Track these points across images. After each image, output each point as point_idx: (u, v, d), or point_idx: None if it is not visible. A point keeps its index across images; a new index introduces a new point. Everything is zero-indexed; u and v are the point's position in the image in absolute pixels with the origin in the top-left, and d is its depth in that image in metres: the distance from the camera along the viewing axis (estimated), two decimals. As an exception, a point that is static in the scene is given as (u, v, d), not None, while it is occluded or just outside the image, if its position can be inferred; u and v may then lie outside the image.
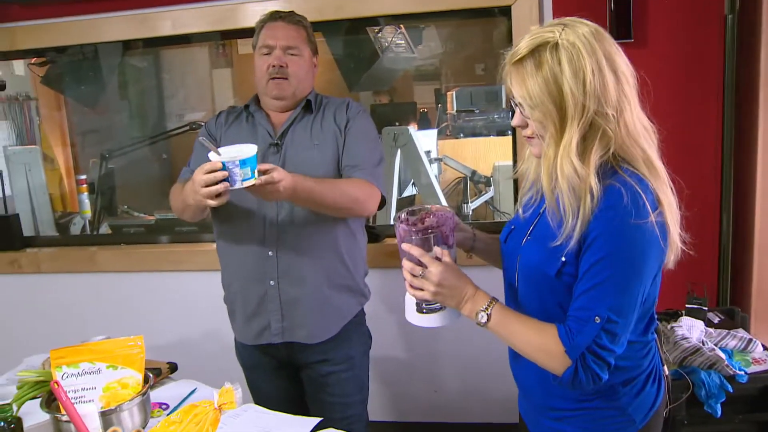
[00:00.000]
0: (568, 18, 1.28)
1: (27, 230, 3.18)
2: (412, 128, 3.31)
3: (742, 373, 1.86)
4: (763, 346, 2.02)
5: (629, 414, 1.34)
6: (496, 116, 4.01)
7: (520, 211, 1.44)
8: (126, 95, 4.29)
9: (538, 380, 1.38)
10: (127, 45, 3.09)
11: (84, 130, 4.02)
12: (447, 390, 2.88)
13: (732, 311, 2.24)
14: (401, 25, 3.30)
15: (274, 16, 2.05)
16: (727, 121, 2.40)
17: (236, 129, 2.05)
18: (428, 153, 3.46)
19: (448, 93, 4.32)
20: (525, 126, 1.30)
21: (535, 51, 1.22)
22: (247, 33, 2.88)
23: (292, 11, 2.09)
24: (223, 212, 1.89)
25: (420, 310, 1.39)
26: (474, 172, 3.55)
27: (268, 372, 2.08)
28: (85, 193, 3.22)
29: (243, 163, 1.61)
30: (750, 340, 2.00)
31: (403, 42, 3.31)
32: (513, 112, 1.30)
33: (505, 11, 2.58)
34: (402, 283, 1.39)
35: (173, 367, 1.95)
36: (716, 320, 2.18)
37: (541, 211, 1.37)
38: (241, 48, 4.42)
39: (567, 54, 1.20)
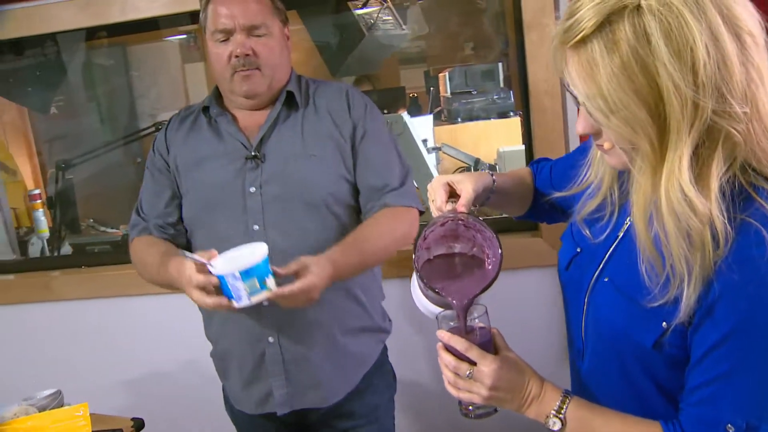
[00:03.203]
0: None
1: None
2: (406, 115, 2.93)
3: None
4: None
5: None
6: (495, 97, 3.63)
7: (585, 228, 1.04)
8: (94, 97, 3.92)
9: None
10: (90, 43, 2.68)
11: (50, 137, 3.64)
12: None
13: None
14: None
15: None
16: None
17: (197, 140, 1.61)
18: (425, 141, 3.08)
19: (440, 74, 3.96)
20: (598, 134, 0.88)
21: (605, 24, 0.78)
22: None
23: None
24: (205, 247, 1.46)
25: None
26: (477, 161, 3.13)
27: None
28: (41, 210, 2.80)
29: (246, 274, 1.22)
30: None
31: (390, 18, 2.95)
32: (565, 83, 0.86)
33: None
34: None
35: (139, 425, 1.59)
36: None
37: (619, 234, 0.98)
38: (214, 39, 4.10)
39: (660, 23, 0.75)
